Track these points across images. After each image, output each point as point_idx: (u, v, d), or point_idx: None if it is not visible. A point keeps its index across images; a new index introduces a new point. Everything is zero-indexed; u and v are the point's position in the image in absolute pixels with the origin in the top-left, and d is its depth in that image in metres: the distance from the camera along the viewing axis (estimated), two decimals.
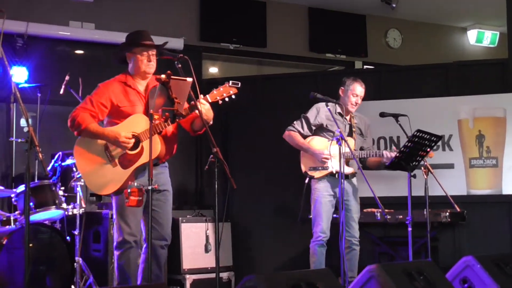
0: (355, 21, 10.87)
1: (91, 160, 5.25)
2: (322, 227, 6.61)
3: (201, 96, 5.09)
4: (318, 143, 6.76)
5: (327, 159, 6.59)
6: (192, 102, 5.05)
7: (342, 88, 6.84)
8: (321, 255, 6.61)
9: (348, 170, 6.64)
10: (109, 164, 5.22)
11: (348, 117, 6.85)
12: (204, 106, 5.10)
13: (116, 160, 5.21)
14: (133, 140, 5.15)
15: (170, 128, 5.26)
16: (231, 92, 5.19)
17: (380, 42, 11.15)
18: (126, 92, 5.31)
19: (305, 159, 6.80)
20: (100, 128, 5.23)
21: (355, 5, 10.57)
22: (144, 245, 5.32)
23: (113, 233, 5.41)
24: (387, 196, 7.45)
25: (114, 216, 5.31)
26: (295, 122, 6.86)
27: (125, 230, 5.23)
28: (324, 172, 6.66)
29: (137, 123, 5.21)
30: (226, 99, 5.20)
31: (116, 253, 5.30)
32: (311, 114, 6.81)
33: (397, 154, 6.23)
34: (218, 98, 5.18)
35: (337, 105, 6.76)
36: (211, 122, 5.21)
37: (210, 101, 5.16)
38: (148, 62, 5.30)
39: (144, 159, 5.18)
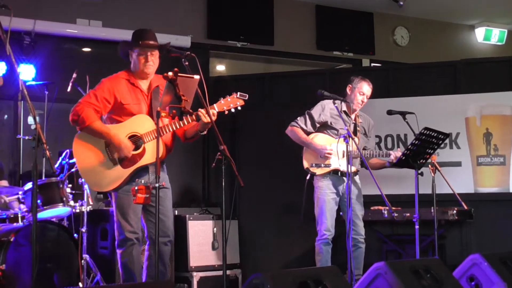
0: (363, 18, 10.86)
1: (91, 156, 5.25)
2: (326, 226, 6.60)
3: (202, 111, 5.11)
4: (321, 140, 6.74)
5: (330, 154, 6.58)
6: (198, 112, 5.07)
7: (350, 85, 6.83)
8: (327, 253, 6.61)
9: (351, 168, 6.63)
10: (109, 162, 5.23)
11: (353, 116, 6.84)
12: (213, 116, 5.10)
13: (117, 159, 5.22)
14: (132, 153, 5.18)
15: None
16: (238, 103, 5.23)
17: (387, 40, 11.13)
18: (129, 90, 5.31)
19: (307, 155, 6.78)
20: (104, 128, 5.22)
21: (363, 2, 10.56)
22: (147, 242, 5.34)
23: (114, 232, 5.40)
24: (395, 194, 7.44)
25: (114, 215, 5.31)
26: (298, 118, 6.85)
27: (126, 228, 5.25)
28: (326, 170, 6.65)
29: (140, 123, 5.22)
30: (232, 110, 5.22)
31: (118, 251, 5.31)
32: (315, 111, 6.80)
33: (405, 152, 6.22)
34: (225, 108, 5.20)
35: (343, 103, 6.74)
36: (205, 132, 5.27)
37: (217, 110, 5.17)
38: (146, 62, 5.28)
39: (145, 160, 5.21)
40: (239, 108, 5.23)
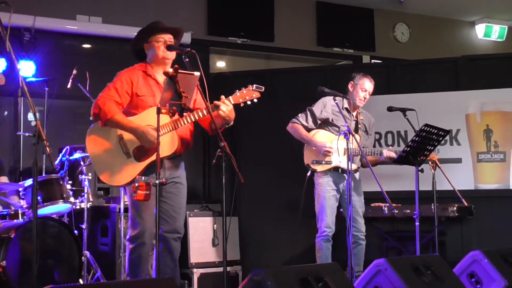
0: (363, 15, 10.85)
1: (104, 150, 5.15)
2: (327, 222, 6.60)
3: (223, 97, 5.06)
4: (322, 137, 6.74)
5: (329, 152, 6.58)
6: (216, 102, 5.04)
7: (352, 82, 6.83)
8: (327, 250, 6.61)
9: (352, 165, 6.63)
10: (123, 156, 5.12)
11: (354, 113, 6.83)
12: (228, 107, 5.06)
13: (131, 152, 5.12)
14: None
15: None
16: (254, 96, 5.14)
17: (388, 36, 11.13)
18: (145, 81, 5.22)
19: (308, 151, 6.78)
20: (126, 120, 5.10)
21: None
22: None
23: (127, 225, 5.33)
24: (395, 191, 7.45)
25: (130, 209, 5.21)
26: (299, 114, 6.84)
27: (139, 223, 5.14)
28: (327, 167, 6.64)
29: (155, 116, 5.12)
30: (248, 102, 5.17)
31: (129, 245, 5.20)
32: (317, 107, 6.79)
33: (405, 148, 6.22)
34: (240, 100, 5.13)
35: (344, 100, 6.74)
36: (231, 123, 5.18)
37: (232, 102, 5.12)
38: (165, 48, 5.21)
39: (160, 153, 5.12)
40: (255, 100, 5.17)
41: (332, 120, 6.75)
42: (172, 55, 5.28)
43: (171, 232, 5.21)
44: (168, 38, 5.26)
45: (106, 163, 5.15)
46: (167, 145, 5.04)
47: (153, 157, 5.06)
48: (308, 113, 6.81)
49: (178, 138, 5.17)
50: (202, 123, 5.31)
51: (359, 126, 6.82)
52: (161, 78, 5.24)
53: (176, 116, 4.99)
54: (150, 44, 5.28)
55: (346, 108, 6.76)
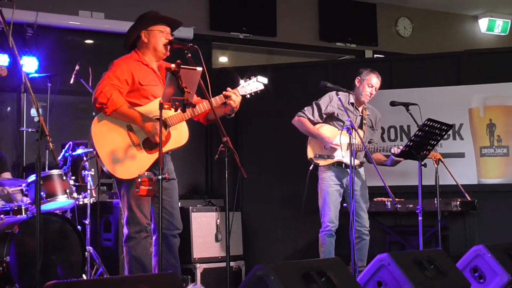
0: (365, 10, 10.84)
1: (113, 141, 4.98)
2: (330, 217, 6.60)
3: (229, 89, 5.06)
4: (327, 131, 6.73)
5: (335, 148, 6.57)
6: (226, 93, 5.05)
7: (359, 78, 6.81)
8: (330, 245, 6.61)
9: (355, 161, 6.63)
10: (133, 148, 4.99)
11: (360, 108, 6.83)
12: (238, 98, 5.06)
13: (141, 144, 5.01)
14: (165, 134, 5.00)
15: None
16: (257, 88, 5.15)
17: (390, 31, 11.12)
18: (145, 70, 5.14)
19: (312, 145, 6.77)
20: (134, 112, 4.97)
21: None
22: (154, 237, 5.12)
23: (124, 224, 5.20)
24: (398, 186, 7.45)
25: (126, 205, 5.05)
26: (305, 108, 6.83)
27: (142, 219, 5.03)
28: (330, 161, 6.64)
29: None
30: (253, 94, 5.15)
31: (129, 244, 5.04)
32: (323, 101, 6.79)
33: (408, 143, 6.22)
34: (246, 92, 5.13)
35: (350, 95, 6.73)
36: (233, 115, 5.18)
37: (241, 94, 5.11)
38: (167, 44, 5.14)
39: (171, 145, 5.05)
40: (259, 92, 5.17)
41: (337, 115, 6.74)
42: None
43: (170, 229, 5.14)
44: (168, 31, 5.21)
45: (115, 156, 4.97)
46: (180, 136, 5.01)
47: (165, 149, 5.03)
48: (315, 107, 6.80)
49: (189, 130, 5.15)
50: (198, 115, 5.20)
51: (365, 121, 6.82)
52: (155, 67, 5.23)
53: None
54: (152, 32, 5.17)
55: (352, 103, 6.75)
